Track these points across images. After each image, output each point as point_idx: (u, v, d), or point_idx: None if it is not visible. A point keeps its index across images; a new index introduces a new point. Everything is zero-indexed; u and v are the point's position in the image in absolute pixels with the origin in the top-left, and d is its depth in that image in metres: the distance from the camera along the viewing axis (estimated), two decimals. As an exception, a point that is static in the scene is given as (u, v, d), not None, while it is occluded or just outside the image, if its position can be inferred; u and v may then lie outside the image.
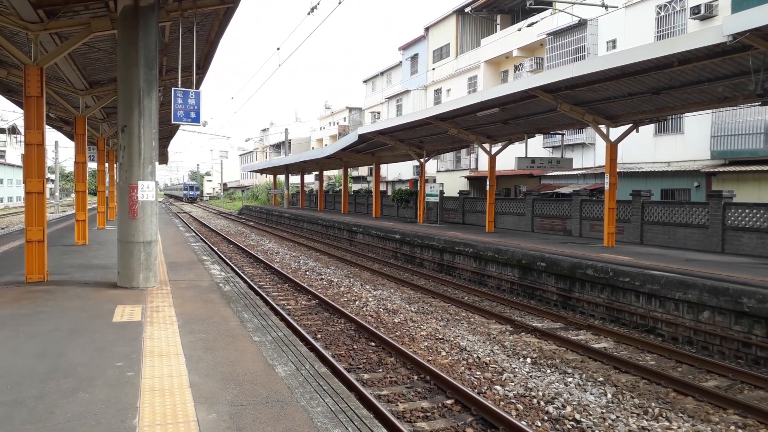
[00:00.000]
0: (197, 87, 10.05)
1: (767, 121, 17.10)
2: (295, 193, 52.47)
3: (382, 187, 41.77)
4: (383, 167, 39.52)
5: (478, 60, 31.77)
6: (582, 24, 23.37)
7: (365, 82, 52.29)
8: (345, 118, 55.66)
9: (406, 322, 10.16)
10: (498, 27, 31.99)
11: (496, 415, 5.74)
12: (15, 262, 11.00)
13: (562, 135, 20.18)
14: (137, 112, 8.09)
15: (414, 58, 40.31)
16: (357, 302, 11.81)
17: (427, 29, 37.96)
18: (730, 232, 13.56)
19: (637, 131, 15.09)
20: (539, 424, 5.83)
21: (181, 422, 3.75)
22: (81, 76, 12.94)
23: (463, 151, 33.44)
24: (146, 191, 8.24)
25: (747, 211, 13.28)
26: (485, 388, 6.82)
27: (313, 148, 58.49)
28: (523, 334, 9.53)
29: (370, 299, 12.09)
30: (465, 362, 7.85)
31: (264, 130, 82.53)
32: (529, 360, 8.02)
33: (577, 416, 6.00)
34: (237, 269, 15.58)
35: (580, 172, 23.96)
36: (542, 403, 6.38)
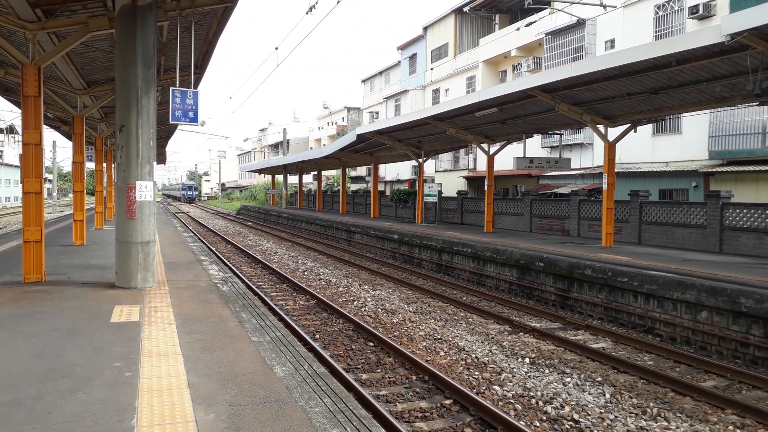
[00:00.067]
0: (195, 86, 10.02)
1: (765, 121, 17.14)
2: (294, 193, 52.46)
3: (381, 187, 41.80)
4: (382, 167, 39.50)
5: (477, 60, 31.78)
6: (580, 24, 23.39)
7: (363, 81, 52.29)
8: (343, 118, 55.66)
9: (404, 322, 10.16)
10: (496, 27, 32.03)
11: (495, 415, 5.74)
12: (13, 262, 10.97)
13: (561, 135, 20.22)
14: (135, 112, 8.07)
15: (412, 57, 40.32)
16: (355, 302, 11.80)
17: (425, 29, 37.97)
18: (728, 232, 13.58)
19: (635, 131, 15.11)
20: (538, 424, 5.83)
21: (179, 422, 3.75)
22: (79, 76, 12.92)
23: (462, 151, 33.45)
24: (144, 191, 8.22)
25: (745, 211, 13.30)
26: (484, 388, 6.82)
27: (311, 148, 58.46)
28: (521, 334, 9.53)
29: (369, 299, 12.09)
30: (463, 362, 7.85)
31: (262, 130, 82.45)
32: (527, 360, 8.02)
33: (576, 416, 6.01)
34: (235, 269, 15.56)
35: (579, 172, 23.97)
36: (541, 403, 6.38)
